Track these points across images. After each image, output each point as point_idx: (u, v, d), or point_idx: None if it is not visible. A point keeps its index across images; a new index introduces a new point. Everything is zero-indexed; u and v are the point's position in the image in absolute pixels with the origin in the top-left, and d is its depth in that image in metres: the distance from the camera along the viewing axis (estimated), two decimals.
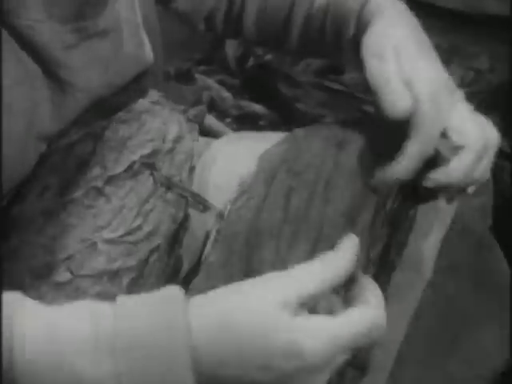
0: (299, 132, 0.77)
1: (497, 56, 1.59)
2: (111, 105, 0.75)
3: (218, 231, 0.69)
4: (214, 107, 1.64)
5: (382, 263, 0.71)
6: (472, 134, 0.67)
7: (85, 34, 0.70)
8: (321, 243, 0.66)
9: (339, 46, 0.79)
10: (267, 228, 0.68)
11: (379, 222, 0.70)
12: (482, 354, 0.71)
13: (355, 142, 0.74)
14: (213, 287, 0.54)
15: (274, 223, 0.68)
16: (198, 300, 0.53)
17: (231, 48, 1.78)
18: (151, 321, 0.51)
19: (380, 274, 0.69)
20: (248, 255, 0.67)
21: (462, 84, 1.57)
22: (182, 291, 0.53)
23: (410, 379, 0.69)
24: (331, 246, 0.60)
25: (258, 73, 1.71)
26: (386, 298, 0.71)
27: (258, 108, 1.65)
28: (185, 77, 1.73)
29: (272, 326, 0.51)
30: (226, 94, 1.69)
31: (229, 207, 0.70)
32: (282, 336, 0.51)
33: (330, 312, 0.54)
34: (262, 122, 1.58)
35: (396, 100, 0.66)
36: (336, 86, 1.65)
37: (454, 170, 0.67)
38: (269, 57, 1.73)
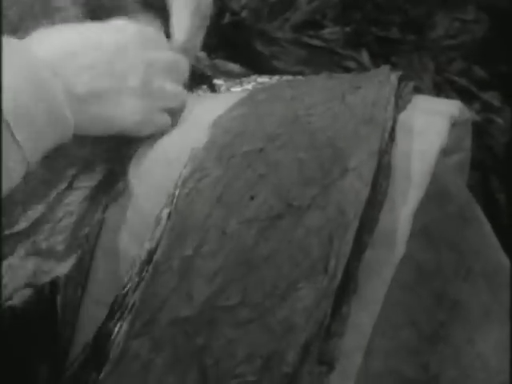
0: (259, 95, 0.70)
1: (483, 6, 1.54)
2: None
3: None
4: None
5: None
6: None
7: None
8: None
9: None
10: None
11: None
12: (478, 363, 0.63)
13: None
14: None
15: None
16: None
17: None
18: None
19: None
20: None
21: (446, 36, 1.53)
22: None
23: (381, 372, 0.63)
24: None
25: (233, 30, 1.66)
26: (356, 280, 0.66)
27: (233, 67, 1.61)
28: None
29: None
30: (201, 54, 1.64)
31: (178, 191, 0.64)
32: None
33: None
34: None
35: None
36: (315, 42, 1.59)
37: None
38: (245, 13, 1.68)
